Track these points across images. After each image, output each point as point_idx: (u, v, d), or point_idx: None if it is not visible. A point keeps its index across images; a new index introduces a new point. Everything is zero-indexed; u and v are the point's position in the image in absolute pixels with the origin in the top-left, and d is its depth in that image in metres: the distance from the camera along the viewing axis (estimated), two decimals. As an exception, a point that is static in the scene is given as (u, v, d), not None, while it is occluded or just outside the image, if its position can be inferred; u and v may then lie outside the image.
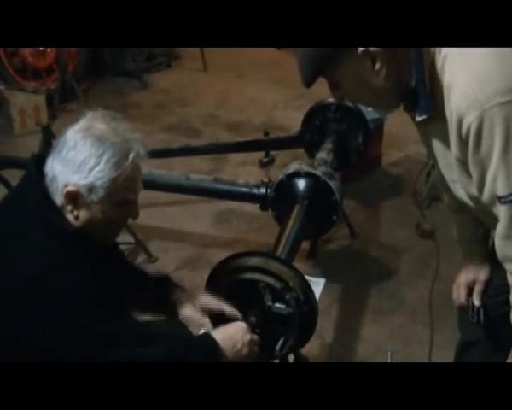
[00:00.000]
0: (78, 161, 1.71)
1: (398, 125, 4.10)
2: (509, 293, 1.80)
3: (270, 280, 2.18)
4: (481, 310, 2.17)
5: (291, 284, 2.19)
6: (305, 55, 1.66)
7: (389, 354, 2.82)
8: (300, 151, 4.46)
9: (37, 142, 4.01)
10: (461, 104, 1.54)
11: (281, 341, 2.23)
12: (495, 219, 1.70)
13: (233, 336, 1.95)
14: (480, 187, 1.63)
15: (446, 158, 1.76)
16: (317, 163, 3.20)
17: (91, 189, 1.73)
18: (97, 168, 1.71)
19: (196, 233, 4.07)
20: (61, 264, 1.70)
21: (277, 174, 3.52)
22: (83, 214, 1.77)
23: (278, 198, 3.21)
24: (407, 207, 4.45)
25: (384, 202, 4.51)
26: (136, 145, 1.78)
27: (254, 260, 2.22)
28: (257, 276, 2.19)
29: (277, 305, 2.20)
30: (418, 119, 1.72)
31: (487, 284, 2.19)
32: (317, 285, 2.84)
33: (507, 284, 1.88)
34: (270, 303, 2.19)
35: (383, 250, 3.99)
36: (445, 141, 1.69)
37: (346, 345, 3.18)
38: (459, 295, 2.24)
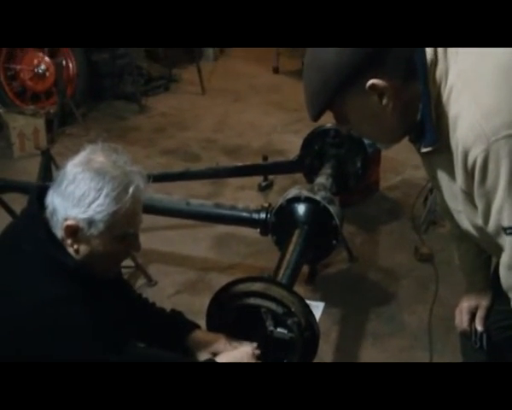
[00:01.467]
0: (77, 195, 1.71)
1: (396, 149, 4.08)
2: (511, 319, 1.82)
3: (272, 305, 2.20)
4: (484, 335, 2.19)
5: (293, 309, 2.21)
6: (312, 90, 1.67)
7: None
8: (299, 175, 4.49)
9: (36, 165, 4.01)
10: (467, 137, 1.55)
11: (282, 366, 2.25)
12: (499, 249, 1.71)
13: (237, 361, 1.99)
14: (486, 218, 1.65)
15: (451, 188, 1.77)
16: (316, 188, 3.22)
17: (91, 223, 1.73)
18: (97, 202, 1.71)
19: (196, 257, 4.08)
20: (61, 297, 1.70)
21: (276, 198, 3.55)
22: (83, 248, 1.77)
23: (278, 223, 3.23)
24: (405, 231, 4.47)
25: (382, 226, 4.53)
26: (136, 178, 1.78)
27: (256, 286, 2.24)
28: (259, 301, 2.21)
29: (279, 330, 2.21)
30: (423, 150, 1.73)
31: (489, 309, 2.20)
32: (317, 309, 2.86)
33: (510, 311, 1.89)
34: (272, 328, 2.21)
35: (382, 274, 3.99)
36: (450, 172, 1.70)
37: (346, 369, 3.18)
38: (462, 320, 2.25)
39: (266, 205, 3.33)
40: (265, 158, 4.69)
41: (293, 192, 3.19)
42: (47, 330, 1.66)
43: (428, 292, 3.80)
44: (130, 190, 1.75)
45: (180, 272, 3.92)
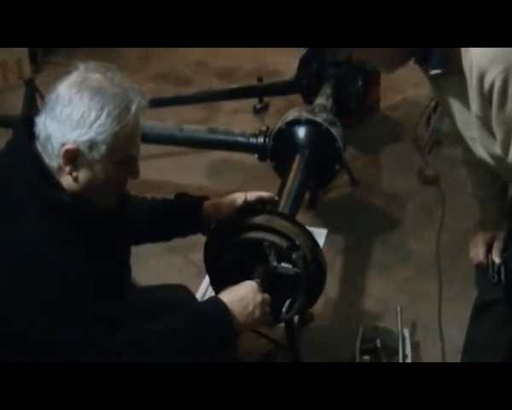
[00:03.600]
0: (75, 117, 1.55)
1: None
2: None
3: (275, 239, 2.02)
4: (502, 268, 2.06)
5: (297, 242, 2.04)
6: None
7: (399, 309, 2.70)
8: (295, 97, 4.30)
9: (19, 97, 3.85)
10: (482, 57, 1.43)
11: (287, 303, 2.09)
12: None
13: (243, 297, 1.81)
14: (506, 147, 1.55)
15: (464, 115, 1.66)
16: (317, 109, 3.02)
17: (92, 145, 1.56)
18: (98, 122, 1.55)
19: (190, 186, 3.84)
20: (56, 238, 1.55)
21: (273, 121, 3.36)
22: (83, 175, 1.60)
23: (277, 148, 3.04)
24: (408, 152, 4.29)
25: (384, 148, 4.34)
26: (136, 96, 1.63)
27: (258, 219, 2.05)
28: (260, 235, 2.03)
29: (283, 265, 2.05)
30: (432, 73, 1.60)
31: (507, 240, 2.08)
32: (320, 236, 2.73)
33: None
34: (275, 263, 2.04)
35: (385, 199, 3.83)
36: (463, 97, 1.59)
37: (352, 301, 3.04)
38: (478, 253, 2.14)
39: (264, 129, 3.13)
40: (260, 79, 4.49)
41: (292, 114, 2.98)
42: (41, 275, 1.52)
43: (434, 217, 3.65)
44: (133, 108, 1.60)
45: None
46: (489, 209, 2.11)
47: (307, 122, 2.93)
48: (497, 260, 2.07)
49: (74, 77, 1.61)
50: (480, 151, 1.71)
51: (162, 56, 5.63)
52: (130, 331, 1.61)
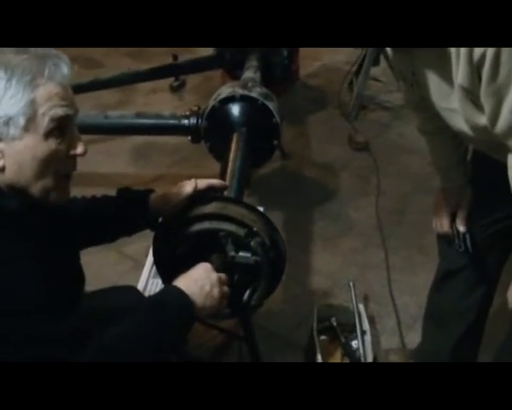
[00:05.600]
0: None
1: None
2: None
3: (232, 227, 1.88)
4: (467, 236, 2.02)
5: (255, 229, 1.90)
6: None
7: (351, 285, 2.62)
8: (211, 72, 4.19)
9: None
10: None
11: (248, 292, 1.97)
12: (501, 150, 1.59)
13: (197, 279, 1.67)
14: (494, 118, 1.50)
15: (442, 86, 1.61)
16: (250, 84, 2.87)
17: (8, 121, 1.36)
18: (8, 94, 1.35)
19: (115, 174, 3.68)
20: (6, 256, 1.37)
21: (191, 98, 3.16)
22: (9, 162, 1.40)
23: (211, 128, 2.88)
24: (335, 120, 4.23)
25: (310, 117, 4.27)
26: (52, 59, 1.41)
27: (210, 207, 1.91)
28: (215, 224, 1.89)
29: (242, 254, 1.91)
30: None
31: (470, 208, 2.04)
32: (257, 216, 2.59)
33: (492, 207, 1.93)
34: (233, 253, 1.90)
35: (319, 169, 3.75)
36: (442, 67, 1.55)
37: (299, 281, 2.94)
38: (442, 223, 2.09)
39: (195, 108, 2.96)
40: (175, 57, 4.30)
41: (225, 91, 2.82)
42: None
43: (370, 184, 3.60)
44: (47, 70, 1.39)
45: (100, 192, 3.51)
46: (454, 177, 2.05)
47: (242, 98, 2.77)
48: (461, 228, 2.02)
49: None
50: (459, 122, 1.65)
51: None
52: (96, 344, 1.45)
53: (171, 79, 4.53)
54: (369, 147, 3.87)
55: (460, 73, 1.47)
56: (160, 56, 4.72)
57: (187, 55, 4.64)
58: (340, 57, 4.86)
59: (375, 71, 4.27)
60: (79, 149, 1.49)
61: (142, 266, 2.87)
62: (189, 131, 2.98)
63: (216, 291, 1.68)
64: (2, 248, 1.37)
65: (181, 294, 1.60)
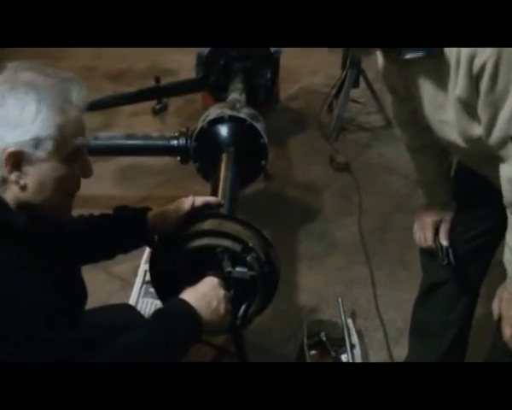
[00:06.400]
0: (13, 115, 1.40)
1: (287, 56, 4.04)
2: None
3: (228, 243, 1.94)
4: (450, 250, 2.09)
5: (250, 245, 1.96)
6: None
7: (340, 300, 2.67)
8: (193, 95, 4.26)
9: None
10: None
11: (243, 307, 2.01)
12: (490, 161, 1.64)
13: (205, 294, 1.69)
14: (490, 128, 1.55)
15: (437, 98, 1.65)
16: (238, 105, 2.93)
17: (37, 143, 1.42)
18: (40, 116, 1.41)
19: (101, 196, 3.70)
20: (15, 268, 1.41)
21: (173, 121, 3.19)
22: (31, 181, 1.45)
23: (200, 148, 2.93)
24: (315, 141, 4.31)
25: (291, 139, 4.34)
26: (75, 85, 1.49)
27: (207, 224, 1.96)
28: (212, 241, 1.94)
29: (238, 269, 1.96)
30: (408, 57, 1.56)
31: (453, 223, 2.11)
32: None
33: (475, 220, 2.00)
34: (229, 269, 1.95)
35: (302, 189, 3.82)
36: (439, 80, 1.59)
37: (287, 298, 2.98)
38: (425, 237, 2.15)
39: (184, 130, 3.02)
40: (158, 79, 4.35)
41: (214, 112, 2.88)
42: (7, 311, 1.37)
43: (352, 203, 3.68)
44: (74, 96, 1.47)
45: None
46: (437, 192, 2.11)
47: (231, 119, 2.84)
48: (445, 242, 2.09)
49: (3, 76, 1.46)
50: (450, 133, 1.70)
51: (47, 64, 5.38)
52: (104, 352, 1.46)
53: (154, 102, 4.55)
54: (350, 167, 3.95)
55: (459, 84, 1.52)
56: (140, 79, 4.79)
57: (168, 77, 4.74)
58: (318, 79, 4.96)
59: (354, 93, 4.37)
60: (90, 172, 1.60)
61: (131, 285, 2.90)
62: (178, 151, 3.03)
63: (222, 307, 1.70)
64: (13, 259, 1.41)
65: (190, 309, 1.63)
